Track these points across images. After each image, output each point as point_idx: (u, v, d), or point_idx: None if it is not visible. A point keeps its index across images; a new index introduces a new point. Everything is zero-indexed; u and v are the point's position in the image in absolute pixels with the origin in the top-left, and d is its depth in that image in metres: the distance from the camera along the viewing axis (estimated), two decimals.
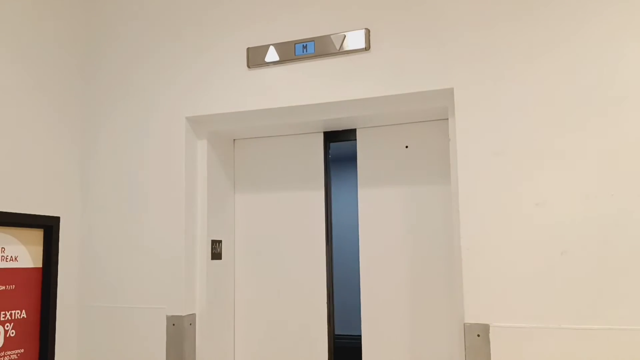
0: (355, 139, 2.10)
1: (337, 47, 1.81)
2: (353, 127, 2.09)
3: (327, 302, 2.06)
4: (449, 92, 1.73)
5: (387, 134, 2.05)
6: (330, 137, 2.15)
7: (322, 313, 2.07)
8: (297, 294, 2.11)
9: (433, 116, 1.94)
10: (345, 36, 1.81)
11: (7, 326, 1.78)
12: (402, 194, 2.00)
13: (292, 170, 2.17)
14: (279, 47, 1.89)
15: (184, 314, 1.92)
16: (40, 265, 1.90)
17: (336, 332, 2.14)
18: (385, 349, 1.97)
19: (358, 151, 2.08)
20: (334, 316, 2.11)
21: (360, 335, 2.00)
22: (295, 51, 1.86)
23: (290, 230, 2.14)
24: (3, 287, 1.77)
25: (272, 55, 1.89)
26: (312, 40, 1.85)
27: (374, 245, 2.02)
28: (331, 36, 1.83)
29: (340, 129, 2.12)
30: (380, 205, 2.03)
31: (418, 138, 2.01)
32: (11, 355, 1.78)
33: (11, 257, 1.81)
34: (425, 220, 1.96)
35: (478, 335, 1.59)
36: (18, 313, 1.81)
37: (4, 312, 1.77)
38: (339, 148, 2.37)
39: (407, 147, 2.01)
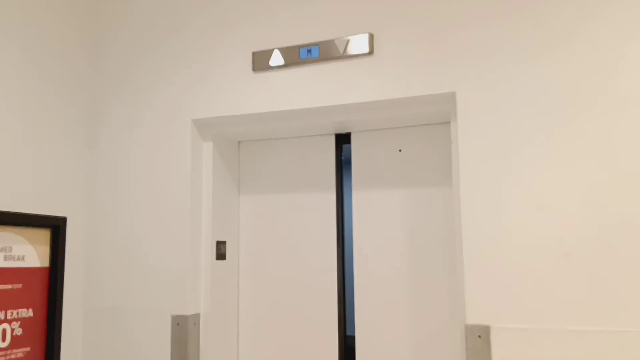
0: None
1: (341, 51, 1.83)
2: (348, 132, 2.12)
3: (337, 304, 2.07)
4: (452, 96, 1.74)
5: (381, 138, 2.07)
6: (343, 139, 2.15)
7: (332, 314, 2.07)
8: (305, 295, 2.12)
9: (428, 120, 1.95)
10: (349, 40, 1.83)
11: (14, 324, 1.79)
12: (400, 197, 2.01)
13: (301, 171, 2.18)
14: (283, 51, 1.91)
15: (188, 314, 1.94)
16: (47, 265, 1.92)
17: (349, 334, 2.14)
18: (385, 351, 1.98)
19: (352, 155, 2.10)
20: (345, 318, 2.11)
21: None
22: (300, 55, 1.88)
23: (298, 232, 2.15)
24: (10, 286, 1.79)
25: (277, 59, 1.91)
26: (316, 44, 1.87)
27: (369, 247, 2.03)
28: (335, 40, 1.85)
29: (336, 133, 2.14)
30: (377, 209, 2.04)
31: (412, 142, 2.02)
32: (17, 354, 1.80)
33: (18, 256, 1.82)
34: (424, 223, 1.97)
35: (479, 337, 1.59)
36: (25, 312, 1.83)
37: (10, 311, 1.78)
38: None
39: (400, 150, 2.03)
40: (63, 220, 1.98)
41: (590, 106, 1.56)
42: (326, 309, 2.08)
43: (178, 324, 1.94)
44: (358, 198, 2.07)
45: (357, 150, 2.10)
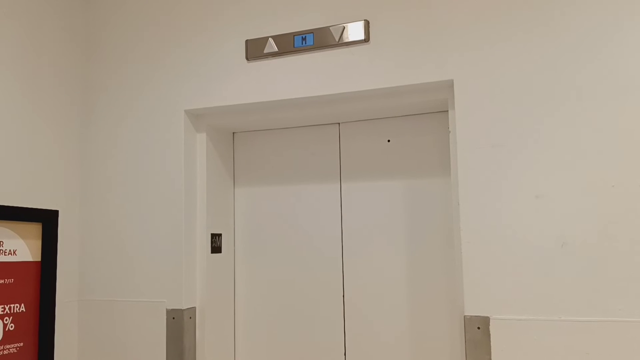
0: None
1: (337, 39, 1.80)
2: (336, 122, 2.09)
3: (343, 299, 2.04)
4: (449, 84, 1.72)
5: (369, 128, 2.05)
6: None
7: (337, 310, 2.04)
8: (305, 288, 2.09)
9: (419, 110, 1.93)
10: (344, 28, 1.80)
11: (7, 320, 1.77)
12: (394, 188, 1.99)
13: (301, 162, 2.15)
14: (277, 39, 1.87)
15: (184, 308, 1.92)
16: (39, 259, 1.90)
17: None
18: (383, 344, 1.96)
19: (341, 146, 2.08)
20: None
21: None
22: (294, 43, 1.85)
23: (297, 224, 2.12)
24: (2, 281, 1.77)
25: (271, 47, 1.88)
26: (311, 32, 1.84)
27: (360, 240, 2.01)
28: (330, 28, 1.81)
29: (323, 123, 2.11)
30: (368, 200, 2.02)
31: (401, 132, 2.00)
32: (10, 349, 1.78)
33: (10, 250, 1.80)
34: (420, 214, 1.95)
35: (478, 328, 1.58)
36: (17, 307, 1.81)
37: (2, 306, 1.76)
38: None
39: (389, 141, 2.01)
40: (55, 213, 1.95)
41: (591, 94, 1.55)
42: (330, 303, 2.05)
43: (173, 318, 1.92)
44: (347, 190, 2.05)
45: (345, 141, 2.08)
